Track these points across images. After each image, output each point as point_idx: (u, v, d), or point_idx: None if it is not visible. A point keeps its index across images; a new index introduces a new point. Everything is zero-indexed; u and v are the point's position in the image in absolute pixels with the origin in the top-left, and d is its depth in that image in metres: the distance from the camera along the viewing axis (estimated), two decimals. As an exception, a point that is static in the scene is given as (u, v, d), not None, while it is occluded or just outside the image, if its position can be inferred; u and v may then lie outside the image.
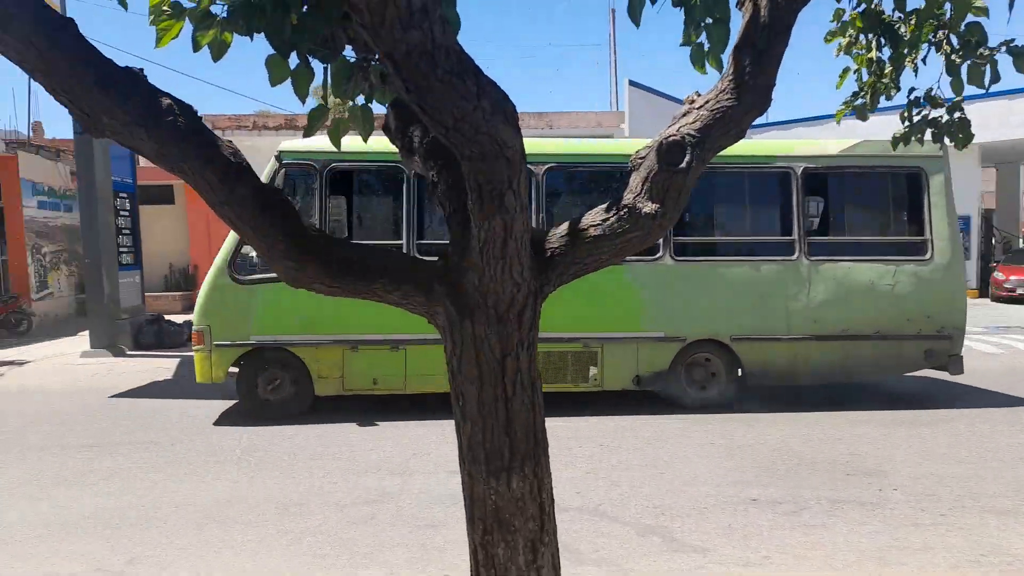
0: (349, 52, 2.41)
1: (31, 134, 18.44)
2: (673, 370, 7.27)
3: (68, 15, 1.77)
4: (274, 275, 6.24)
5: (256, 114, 17.62)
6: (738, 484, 5.16)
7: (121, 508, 4.85)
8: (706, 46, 1.96)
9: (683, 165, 1.71)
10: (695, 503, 4.81)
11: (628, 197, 1.78)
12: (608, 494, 4.99)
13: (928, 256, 7.34)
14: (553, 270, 1.87)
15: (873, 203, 7.71)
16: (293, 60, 2.31)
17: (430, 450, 6.10)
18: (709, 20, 1.95)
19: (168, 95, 1.62)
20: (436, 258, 1.89)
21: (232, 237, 6.96)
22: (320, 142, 7.00)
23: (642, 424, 6.83)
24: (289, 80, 2.15)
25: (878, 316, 7.23)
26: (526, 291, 1.81)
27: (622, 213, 1.76)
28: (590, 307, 7.01)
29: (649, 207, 1.71)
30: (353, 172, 7.24)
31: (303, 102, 2.42)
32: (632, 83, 15.09)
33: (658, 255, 7.22)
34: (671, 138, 1.74)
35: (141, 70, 1.56)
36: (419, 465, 5.71)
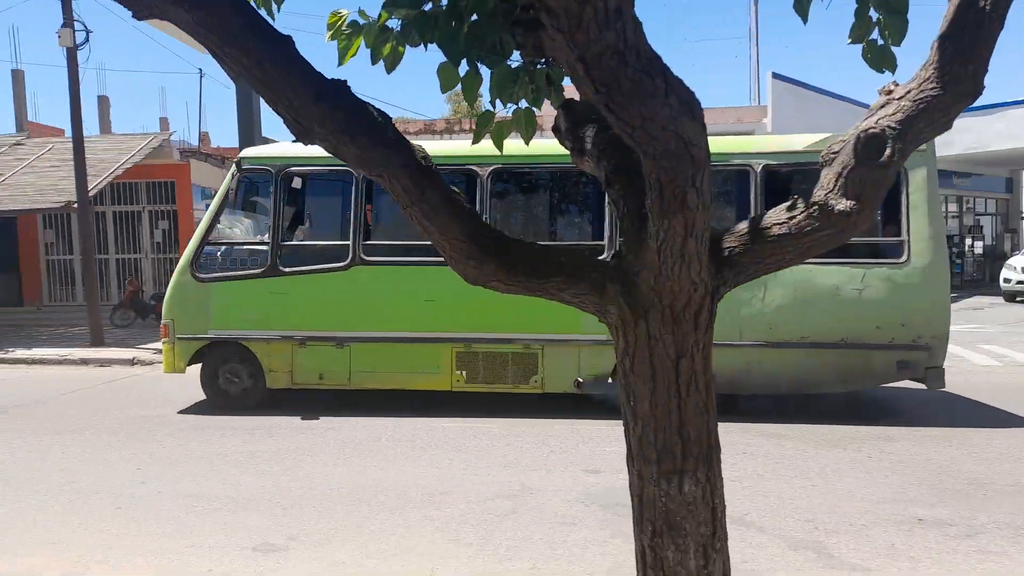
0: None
1: (200, 143, 20.26)
2: (613, 374, 6.81)
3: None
4: (232, 273, 6.07)
5: (395, 120, 18.39)
6: (900, 502, 4.82)
7: (281, 488, 5.23)
8: (879, 42, 1.85)
9: (883, 159, 1.62)
10: (852, 519, 4.54)
11: (819, 194, 1.71)
12: (755, 503, 4.81)
13: (904, 259, 6.59)
14: (731, 269, 1.83)
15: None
16: (462, 67, 2.42)
17: (567, 448, 6.13)
18: (876, 15, 1.84)
19: (369, 105, 1.73)
20: (611, 257, 1.89)
21: (195, 237, 7.29)
22: (275, 149, 7.37)
23: (787, 432, 6.53)
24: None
25: (843, 323, 6.56)
26: (703, 291, 1.78)
27: (811, 211, 1.70)
28: (531, 308, 6.29)
29: (843, 204, 1.64)
30: (305, 176, 7.48)
31: (472, 106, 2.51)
32: (776, 75, 14.44)
33: (602, 256, 6.66)
34: (870, 131, 1.65)
35: (345, 82, 1.67)
36: (557, 462, 5.76)
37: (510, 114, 2.58)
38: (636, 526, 1.95)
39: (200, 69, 30.79)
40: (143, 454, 6.14)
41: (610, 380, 6.91)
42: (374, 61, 2.45)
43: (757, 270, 1.84)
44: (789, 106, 14.25)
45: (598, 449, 6.09)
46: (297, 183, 7.62)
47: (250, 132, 14.98)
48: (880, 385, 6.97)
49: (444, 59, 2.41)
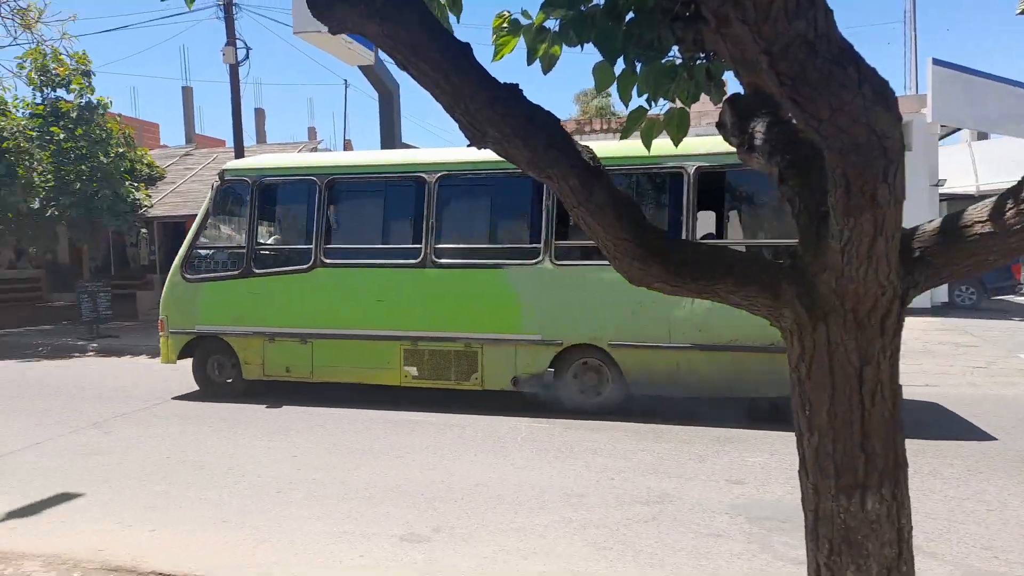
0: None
1: (344, 150, 21.48)
2: (558, 374, 7.16)
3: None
4: (214, 275, 6.69)
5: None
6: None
7: (425, 481, 5.43)
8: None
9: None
10: (1038, 551, 4.09)
11: (1036, 189, 1.54)
12: (923, 526, 4.44)
13: None
14: (922, 271, 1.69)
15: (774, 199, 6.65)
16: (617, 65, 2.39)
17: (708, 456, 5.95)
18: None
19: (539, 107, 1.75)
20: (785, 259, 1.81)
21: (186, 241, 7.98)
22: (253, 160, 8.16)
23: (958, 451, 5.98)
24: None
25: (772, 328, 5.55)
26: (891, 294, 1.66)
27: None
28: (472, 308, 7.15)
29: (1069, 200, 1.47)
30: (276, 185, 8.02)
31: (627, 104, 2.48)
32: (936, 61, 13.30)
33: (538, 259, 7.13)
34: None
35: (517, 86, 1.70)
36: (698, 471, 5.60)
37: (661, 113, 2.53)
38: (810, 541, 1.85)
39: (345, 80, 32.68)
40: (297, 445, 6.57)
41: (544, 377, 7.18)
42: (530, 61, 2.48)
43: (952, 272, 1.69)
44: (954, 94, 13.08)
45: (739, 459, 5.86)
46: (270, 191, 8.18)
47: (391, 138, 15.69)
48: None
49: (597, 59, 2.41)
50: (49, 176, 14.09)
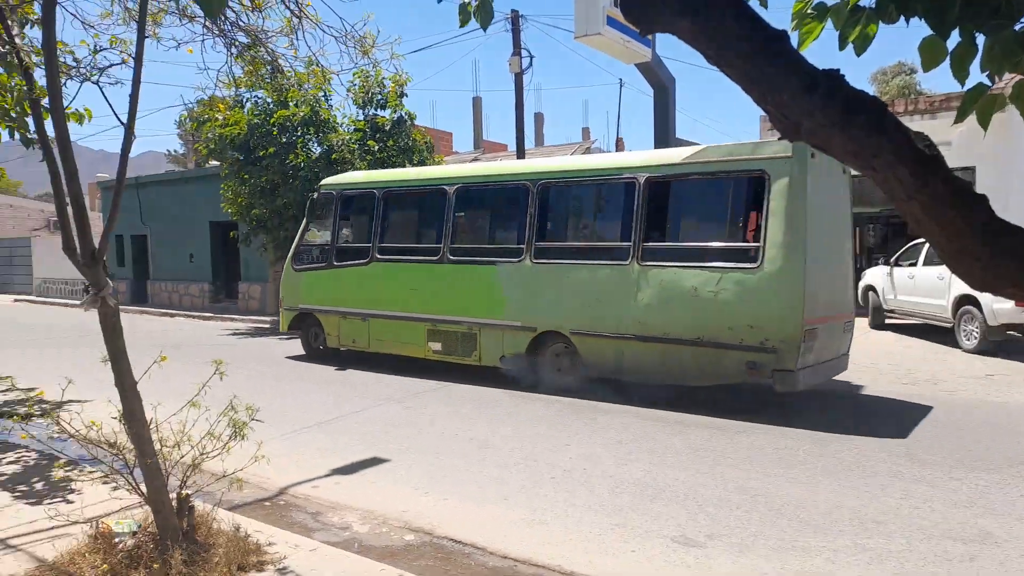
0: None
1: (615, 149, 21.78)
2: (533, 355, 8.46)
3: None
4: (310, 266, 10.29)
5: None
6: None
7: (695, 485, 5.29)
8: None
9: None
10: None
11: None
12: None
13: (757, 264, 6.97)
14: None
15: (712, 208, 7.60)
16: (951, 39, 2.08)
17: (1044, 497, 4.98)
18: None
19: (862, 92, 1.60)
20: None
21: (296, 238, 10.55)
22: (341, 177, 10.55)
23: None
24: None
25: (699, 322, 7.18)
26: None
27: None
28: (472, 298, 8.79)
29: None
30: (352, 196, 10.18)
31: (963, 84, 2.15)
32: None
33: (521, 257, 8.49)
34: None
35: (838, 71, 1.56)
36: (1030, 512, 4.71)
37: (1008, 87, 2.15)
38: None
39: (620, 80, 33.09)
40: (575, 435, 6.83)
41: (521, 357, 8.56)
42: (842, 46, 2.26)
43: None
44: None
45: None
46: (349, 201, 10.33)
47: (665, 134, 15.55)
48: (737, 382, 7.21)
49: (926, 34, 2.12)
50: (366, 181, 16.40)
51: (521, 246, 8.59)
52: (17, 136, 6.97)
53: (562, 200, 8.65)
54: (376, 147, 16.11)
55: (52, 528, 4.14)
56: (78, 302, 22.12)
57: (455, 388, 8.95)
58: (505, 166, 9.40)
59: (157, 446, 3.75)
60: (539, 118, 38.86)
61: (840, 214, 7.80)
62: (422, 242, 9.73)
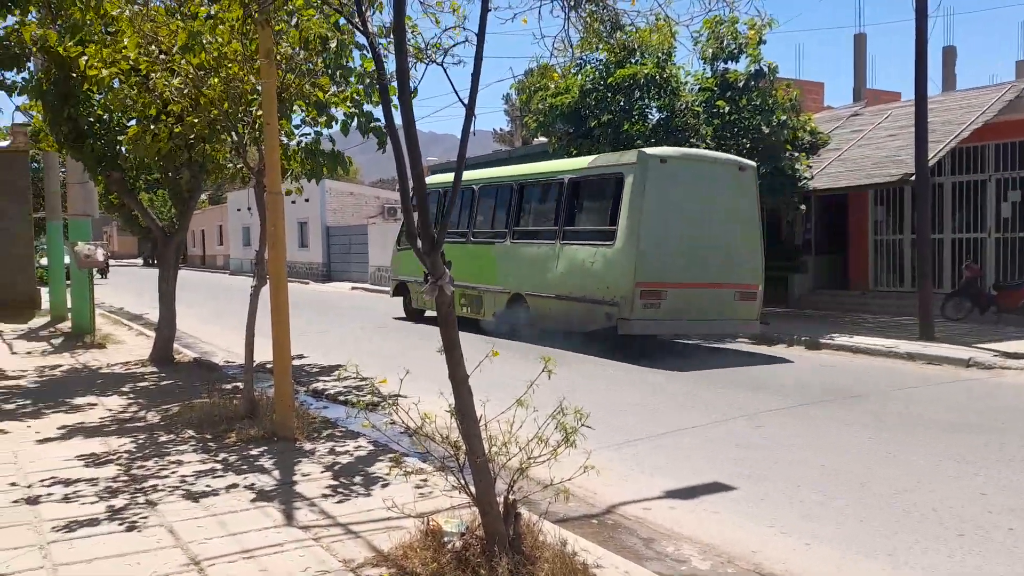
0: None
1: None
2: (513, 310, 14.11)
3: None
4: (402, 246, 17.12)
5: None
6: None
7: None
8: None
9: None
10: None
11: None
12: None
13: (613, 242, 11.96)
14: None
15: (597, 202, 13.05)
16: None
17: None
18: None
19: None
20: None
21: (401, 225, 16.09)
22: (437, 177, 17.93)
23: None
24: None
25: (584, 285, 12.35)
26: None
27: None
28: (477, 269, 14.80)
29: None
30: (444, 192, 16.04)
31: None
32: None
33: (504, 239, 14.54)
34: None
35: None
36: None
37: None
38: None
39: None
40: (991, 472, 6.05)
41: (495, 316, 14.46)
42: None
43: None
44: None
45: None
46: (441, 197, 16.23)
47: None
48: (606, 327, 12.06)
49: None
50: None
51: (506, 230, 14.68)
52: (355, 122, 8.32)
53: (529, 195, 14.68)
54: (726, 108, 15.90)
55: (387, 519, 4.89)
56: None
57: (804, 411, 8.52)
58: (502, 171, 16.25)
59: (486, 445, 4.19)
60: (948, 54, 34.78)
61: (730, 205, 12.41)
62: (459, 228, 15.76)
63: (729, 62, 16.43)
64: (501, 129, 57.43)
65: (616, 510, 5.52)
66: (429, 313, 16.70)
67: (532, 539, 4.26)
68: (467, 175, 15.05)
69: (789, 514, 5.39)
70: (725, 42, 16.12)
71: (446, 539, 4.27)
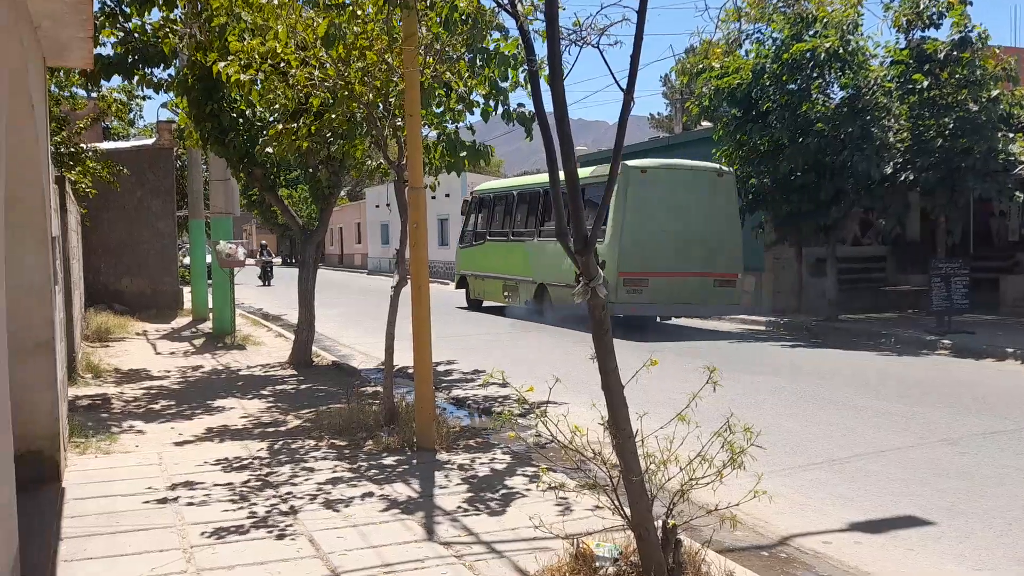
0: None
1: None
2: (539, 297, 18.22)
3: None
4: (464, 244, 23.69)
5: None
6: None
7: None
8: None
9: None
10: None
11: None
12: None
13: (603, 239, 15.39)
14: None
15: (596, 205, 13.42)
16: None
17: None
18: None
19: None
20: None
21: (462, 227, 22.92)
22: (481, 187, 23.57)
23: None
24: None
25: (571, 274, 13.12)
26: None
27: None
28: (512, 263, 19.26)
29: None
30: (480, 198, 22.28)
31: None
32: None
33: (532, 238, 18.54)
34: None
35: None
36: None
37: None
38: None
39: None
40: None
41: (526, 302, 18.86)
42: None
43: None
44: None
45: None
46: (478, 202, 22.35)
47: None
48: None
49: None
50: (906, 134, 15.42)
51: (533, 230, 18.71)
52: (500, 110, 8.46)
53: (548, 200, 17.26)
54: (924, 83, 15.06)
55: (532, 539, 4.96)
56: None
57: (1020, 436, 7.94)
58: (533, 179, 21.07)
59: (642, 463, 4.19)
60: None
61: (709, 205, 16.17)
62: (502, 228, 20.51)
63: (928, 29, 15.57)
64: (658, 114, 56.80)
65: (790, 542, 5.37)
66: (487, 303, 21.63)
67: (694, 569, 4.21)
68: (506, 182, 24.29)
69: (995, 557, 5.07)
70: (923, 5, 15.27)
71: (598, 564, 4.29)
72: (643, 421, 4.37)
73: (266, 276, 37.71)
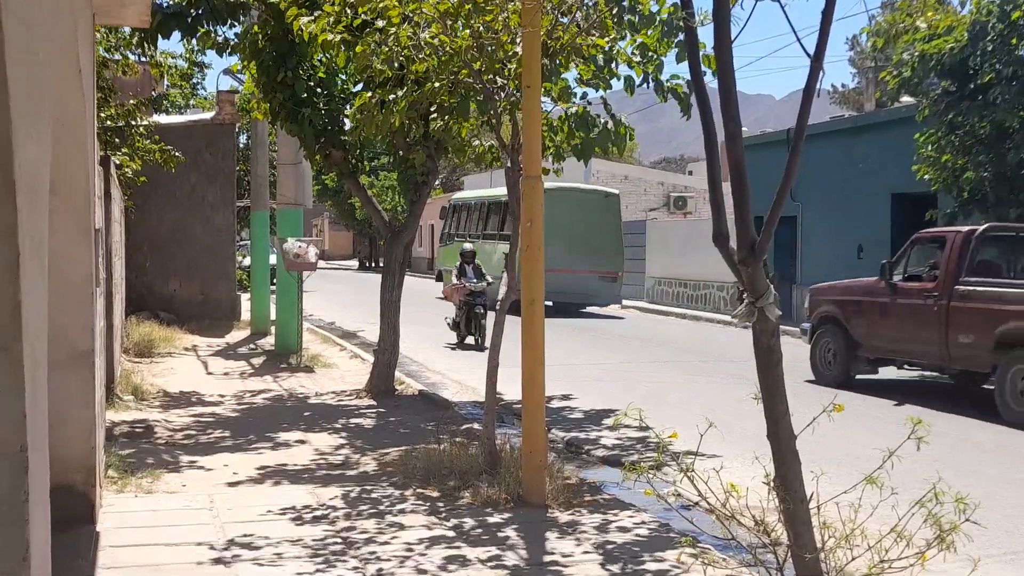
0: None
1: None
2: (490, 289, 20.33)
3: None
4: (442, 244, 44.71)
5: None
6: None
7: None
8: None
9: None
10: None
11: None
12: None
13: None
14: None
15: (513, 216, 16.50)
16: None
17: None
18: None
19: None
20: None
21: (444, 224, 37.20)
22: (456, 195, 43.50)
23: None
24: None
25: (496, 271, 21.45)
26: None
27: None
28: (489, 261, 25.76)
29: None
30: (455, 206, 36.96)
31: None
32: None
33: (478, 240, 29.47)
34: None
35: None
36: None
37: None
38: None
39: None
40: None
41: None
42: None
43: None
44: None
45: None
46: (451, 209, 36.78)
47: None
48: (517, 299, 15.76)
49: None
50: None
51: (478, 233, 30.54)
52: (651, 83, 8.42)
53: (496, 209, 29.79)
54: None
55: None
56: (712, 314, 25.37)
57: None
58: (485, 192, 34.53)
59: (818, 536, 4.10)
60: None
61: (597, 219, 27.82)
62: (462, 231, 31.85)
63: None
64: (843, 86, 55.58)
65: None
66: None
67: None
68: (470, 194, 38.45)
69: None
70: None
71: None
72: (819, 482, 4.28)
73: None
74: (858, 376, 14.45)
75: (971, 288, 12.45)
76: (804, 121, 3.61)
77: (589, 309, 28.62)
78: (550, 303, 24.62)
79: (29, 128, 2.76)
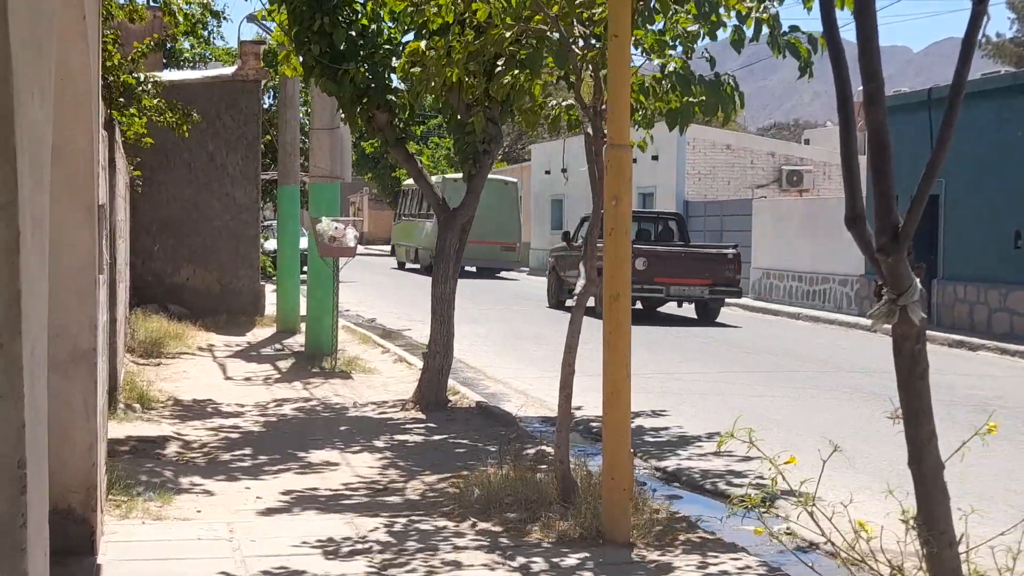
0: None
1: None
2: (415, 257, 50.96)
3: None
4: (395, 223, 67.61)
5: None
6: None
7: None
8: None
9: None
10: None
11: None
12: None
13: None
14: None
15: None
16: None
17: None
18: None
19: None
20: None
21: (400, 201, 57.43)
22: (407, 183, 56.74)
23: None
24: None
25: (426, 244, 43.86)
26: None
27: None
28: (409, 234, 54.33)
29: None
30: (407, 191, 56.66)
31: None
32: None
33: (414, 218, 51.88)
34: None
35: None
36: None
37: None
38: None
39: None
40: None
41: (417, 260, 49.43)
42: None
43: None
44: None
45: None
46: (402, 193, 58.08)
47: None
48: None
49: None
50: None
51: (414, 213, 50.27)
52: (770, 35, 8.29)
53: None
54: None
55: None
56: (833, 313, 25.02)
57: None
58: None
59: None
60: None
61: (498, 201, 44.92)
62: (407, 211, 52.87)
63: None
64: (997, 36, 54.63)
65: None
66: (409, 265, 47.68)
67: None
68: (411, 181, 47.81)
69: None
70: None
71: None
72: (968, 521, 4.21)
73: None
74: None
75: None
76: (963, 79, 3.53)
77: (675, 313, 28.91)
78: (473, 268, 41.61)
79: (31, 83, 2.72)
